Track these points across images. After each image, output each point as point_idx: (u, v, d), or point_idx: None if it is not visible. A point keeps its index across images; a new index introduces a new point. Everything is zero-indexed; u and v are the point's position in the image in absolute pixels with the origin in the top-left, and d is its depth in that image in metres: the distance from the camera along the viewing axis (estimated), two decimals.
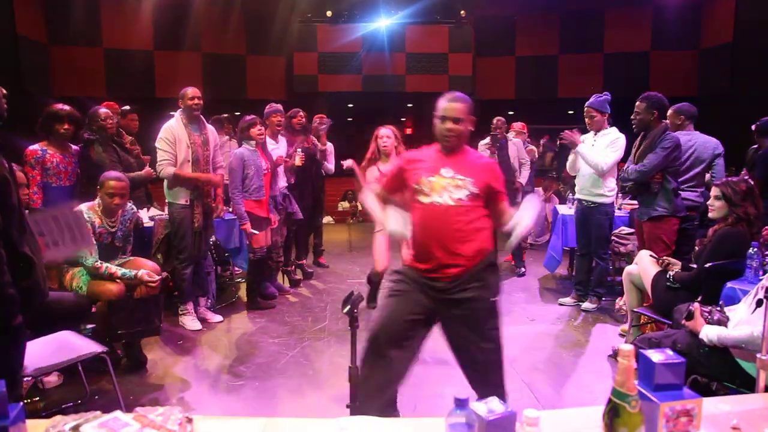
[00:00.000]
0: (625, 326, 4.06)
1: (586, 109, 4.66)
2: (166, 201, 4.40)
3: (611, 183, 4.69)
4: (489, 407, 1.25)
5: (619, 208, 5.36)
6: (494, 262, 2.53)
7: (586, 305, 4.87)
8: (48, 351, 2.77)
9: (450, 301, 2.43)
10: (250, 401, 3.22)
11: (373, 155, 4.70)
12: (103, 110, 4.42)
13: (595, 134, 4.66)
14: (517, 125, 6.78)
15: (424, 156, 2.55)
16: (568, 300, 5.05)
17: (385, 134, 4.67)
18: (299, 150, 5.40)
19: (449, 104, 2.45)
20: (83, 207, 3.53)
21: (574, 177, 4.94)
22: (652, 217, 4.16)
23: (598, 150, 4.57)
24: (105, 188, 3.53)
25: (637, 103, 4.21)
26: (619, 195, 5.11)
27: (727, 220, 3.19)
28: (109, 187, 3.53)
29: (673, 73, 10.50)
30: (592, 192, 4.69)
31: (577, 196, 4.92)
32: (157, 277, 3.54)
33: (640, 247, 4.37)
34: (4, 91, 2.00)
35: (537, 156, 7.04)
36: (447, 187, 2.41)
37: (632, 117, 4.24)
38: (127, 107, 5.43)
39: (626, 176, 4.26)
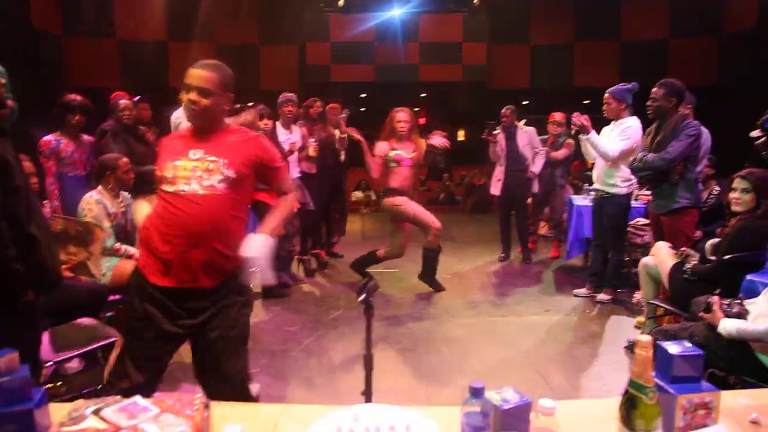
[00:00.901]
0: (642, 318, 4.03)
1: (605, 95, 4.59)
2: None
3: (625, 173, 4.57)
4: (504, 396, 1.25)
5: (636, 199, 5.29)
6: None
7: (601, 297, 4.83)
8: (69, 338, 2.84)
9: (203, 324, 2.04)
10: (265, 388, 3.25)
11: (386, 133, 4.95)
12: (123, 101, 4.47)
13: (614, 123, 4.60)
14: (558, 115, 6.55)
15: (178, 136, 2.14)
16: (582, 291, 5.02)
17: (403, 118, 4.86)
18: (312, 140, 5.42)
19: (194, 70, 1.99)
20: (93, 194, 3.60)
21: (590, 167, 4.89)
22: (673, 210, 4.00)
23: (611, 138, 4.52)
24: (120, 167, 3.67)
25: (655, 89, 4.03)
26: (636, 185, 5.03)
27: (755, 212, 3.11)
28: (124, 164, 3.69)
29: (692, 60, 10.28)
30: (605, 182, 4.63)
31: (593, 186, 4.88)
32: None
33: (655, 239, 4.30)
34: (3, 81, 2.03)
35: (573, 150, 6.77)
36: (195, 171, 1.97)
37: (648, 103, 4.07)
38: (138, 97, 5.41)
39: (642, 165, 4.06)
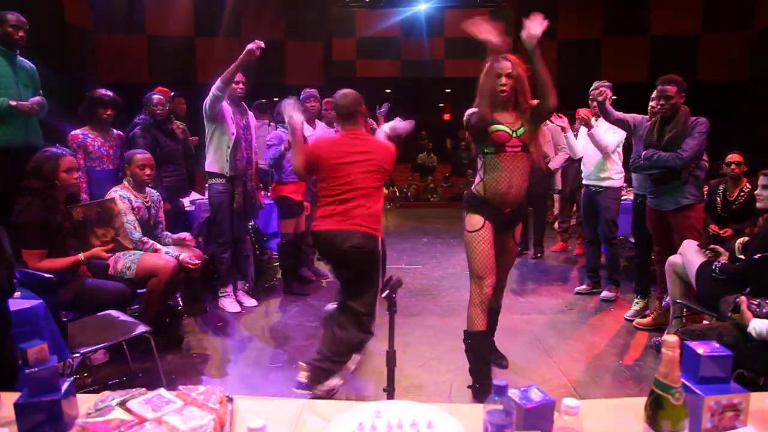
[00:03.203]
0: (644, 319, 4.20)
1: (592, 93, 4.65)
2: (207, 184, 4.46)
3: (617, 166, 4.69)
4: (527, 395, 1.24)
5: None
6: None
7: (605, 294, 4.83)
8: (95, 330, 2.89)
9: None
10: (288, 383, 3.27)
11: (481, 98, 3.02)
12: (156, 96, 4.54)
13: (597, 119, 4.70)
14: (584, 111, 6.46)
15: None
16: (582, 288, 5.05)
17: (506, 70, 2.97)
18: None
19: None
20: (117, 189, 3.67)
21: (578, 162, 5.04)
22: (682, 207, 3.89)
23: (602, 132, 4.62)
24: (134, 162, 3.70)
25: (666, 87, 3.83)
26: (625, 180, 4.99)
27: None
28: (138, 160, 3.71)
29: (723, 55, 10.05)
30: (599, 176, 4.71)
31: (584, 182, 4.91)
32: (197, 261, 3.63)
33: (655, 237, 4.19)
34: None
35: None
36: None
37: (662, 103, 3.84)
38: (173, 93, 5.47)
39: (651, 164, 3.89)
